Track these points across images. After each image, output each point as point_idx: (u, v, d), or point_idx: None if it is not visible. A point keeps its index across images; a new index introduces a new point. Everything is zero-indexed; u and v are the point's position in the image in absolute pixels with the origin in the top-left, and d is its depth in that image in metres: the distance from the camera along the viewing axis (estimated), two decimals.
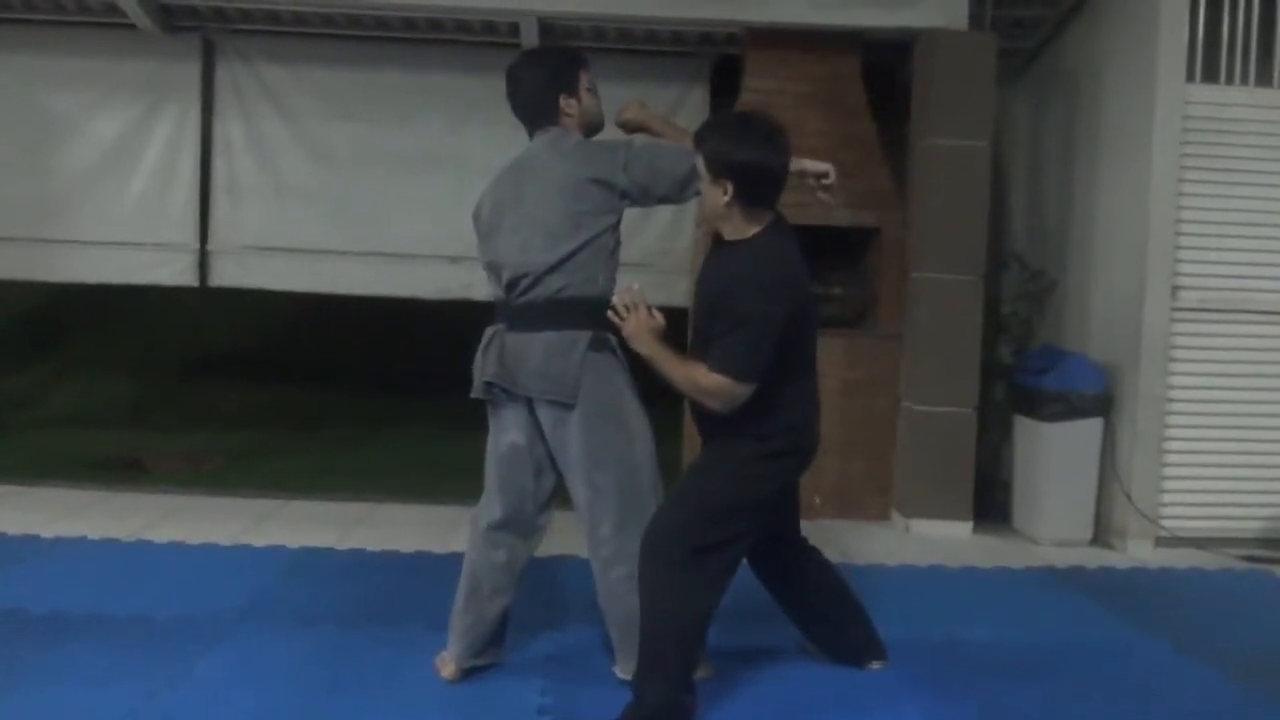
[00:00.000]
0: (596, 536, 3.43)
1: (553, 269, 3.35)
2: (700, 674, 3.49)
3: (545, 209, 3.39)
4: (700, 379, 3.17)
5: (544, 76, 3.54)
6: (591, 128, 3.60)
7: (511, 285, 3.42)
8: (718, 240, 3.37)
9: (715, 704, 3.34)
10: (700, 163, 3.22)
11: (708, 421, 3.32)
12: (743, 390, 3.13)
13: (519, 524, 3.53)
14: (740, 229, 3.24)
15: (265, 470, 6.85)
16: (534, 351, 3.36)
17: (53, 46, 6.67)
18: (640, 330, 3.22)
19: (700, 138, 3.25)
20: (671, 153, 3.43)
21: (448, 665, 3.55)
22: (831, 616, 3.73)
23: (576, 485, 3.43)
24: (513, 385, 3.39)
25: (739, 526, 3.26)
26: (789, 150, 3.23)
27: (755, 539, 3.35)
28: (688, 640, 3.22)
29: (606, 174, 3.38)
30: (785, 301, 3.16)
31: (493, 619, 3.55)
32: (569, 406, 3.34)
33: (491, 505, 3.54)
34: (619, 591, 3.41)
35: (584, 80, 3.57)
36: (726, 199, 3.18)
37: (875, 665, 3.73)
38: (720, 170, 3.16)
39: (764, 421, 3.24)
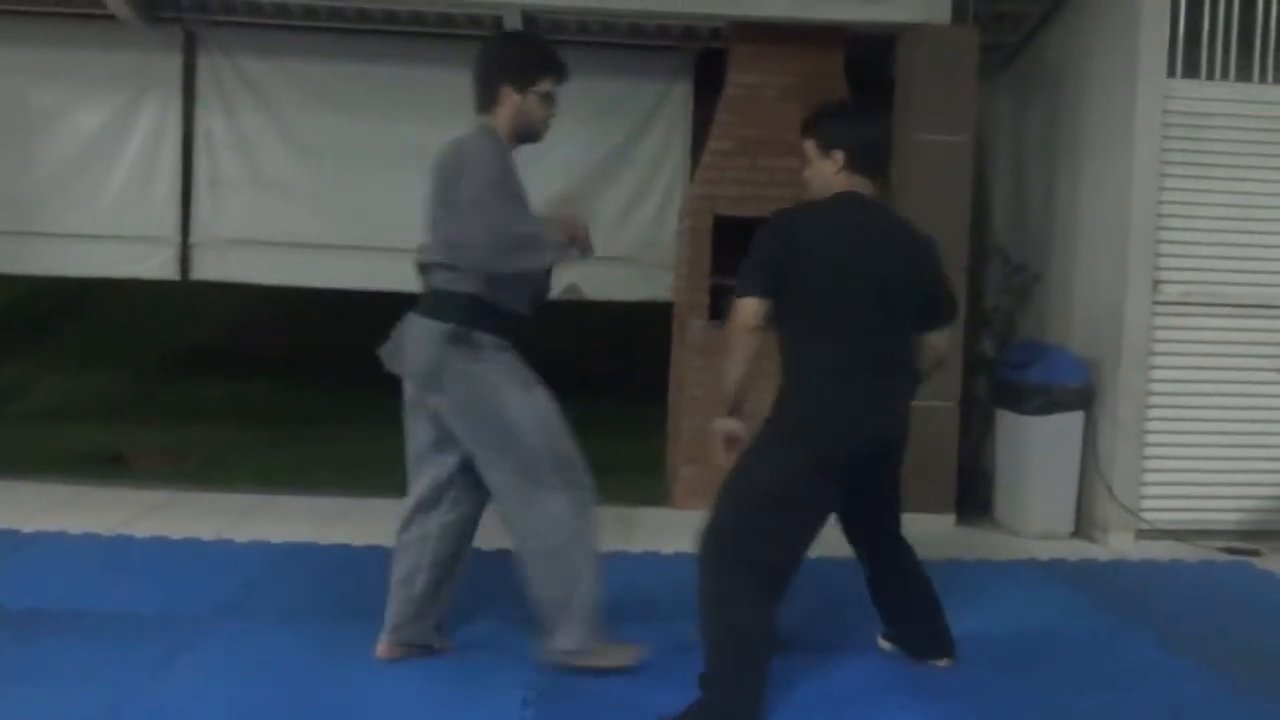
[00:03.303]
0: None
1: (436, 264, 3.42)
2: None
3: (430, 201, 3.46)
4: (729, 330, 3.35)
5: (496, 59, 3.50)
6: (524, 134, 3.52)
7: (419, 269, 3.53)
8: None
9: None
10: (809, 146, 3.54)
11: None
12: (747, 304, 3.29)
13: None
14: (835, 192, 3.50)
15: (248, 465, 6.82)
16: (408, 334, 3.45)
17: (33, 38, 6.63)
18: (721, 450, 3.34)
19: (809, 123, 3.57)
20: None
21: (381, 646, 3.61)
22: (902, 605, 3.77)
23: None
24: (393, 364, 3.52)
25: (780, 522, 3.27)
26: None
27: (811, 534, 3.36)
28: (747, 639, 3.22)
29: (449, 183, 3.37)
30: (783, 228, 3.38)
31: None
32: (434, 389, 3.42)
33: None
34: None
35: (543, 85, 3.47)
36: (837, 168, 3.48)
37: (941, 663, 3.75)
38: (832, 144, 3.49)
39: (782, 402, 3.34)
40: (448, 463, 3.55)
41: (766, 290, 3.29)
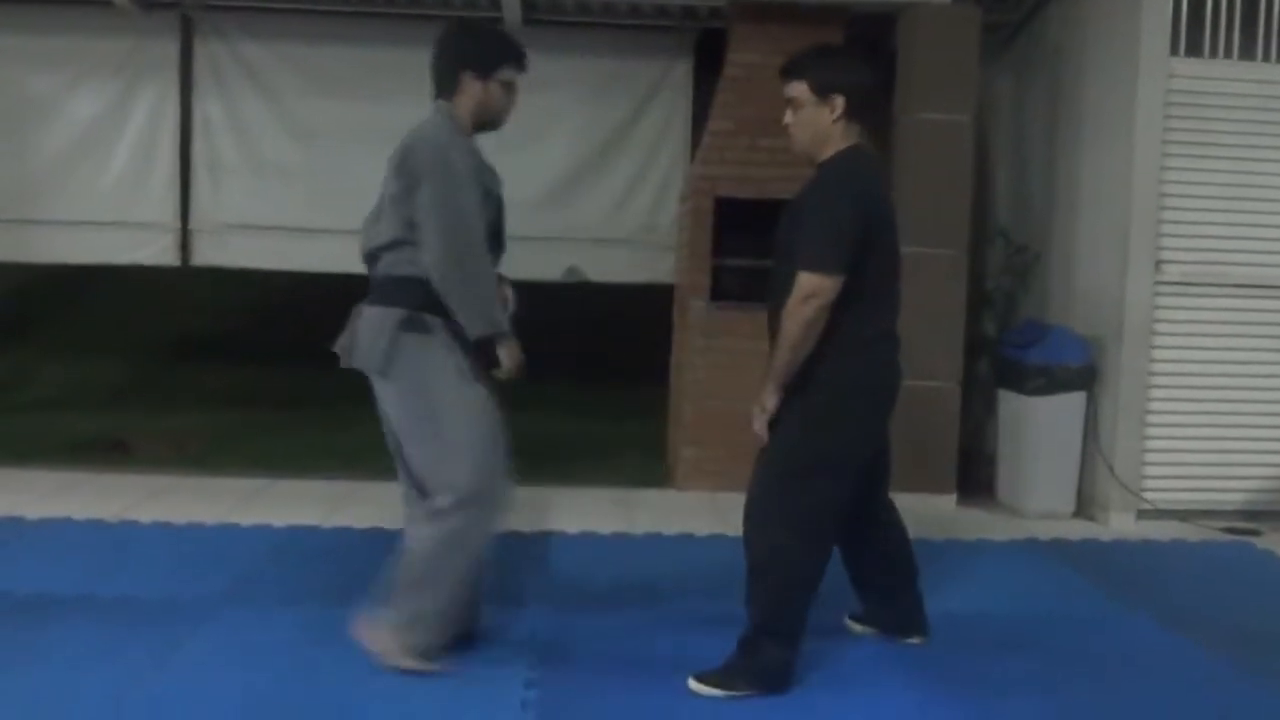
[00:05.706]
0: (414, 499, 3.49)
1: (385, 247, 3.37)
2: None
3: (385, 186, 3.40)
4: (793, 303, 3.13)
5: (459, 47, 3.45)
6: (484, 122, 3.48)
7: (365, 259, 3.47)
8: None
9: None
10: (801, 89, 3.27)
11: None
12: (831, 283, 3.11)
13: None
14: (836, 145, 3.29)
15: (250, 450, 6.83)
16: (361, 326, 3.41)
17: (29, 25, 6.60)
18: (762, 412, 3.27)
19: (802, 65, 3.30)
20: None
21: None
22: (883, 582, 3.76)
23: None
24: (348, 359, 3.45)
25: (828, 477, 3.25)
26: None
27: (851, 488, 3.34)
28: (795, 599, 3.27)
29: (413, 179, 3.32)
30: (854, 196, 3.19)
31: None
32: (382, 377, 3.36)
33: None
34: (413, 547, 3.46)
35: (505, 73, 3.43)
36: (835, 115, 3.25)
37: (915, 640, 3.75)
38: (831, 88, 3.25)
39: (834, 364, 3.20)
40: None
41: (848, 268, 3.13)
